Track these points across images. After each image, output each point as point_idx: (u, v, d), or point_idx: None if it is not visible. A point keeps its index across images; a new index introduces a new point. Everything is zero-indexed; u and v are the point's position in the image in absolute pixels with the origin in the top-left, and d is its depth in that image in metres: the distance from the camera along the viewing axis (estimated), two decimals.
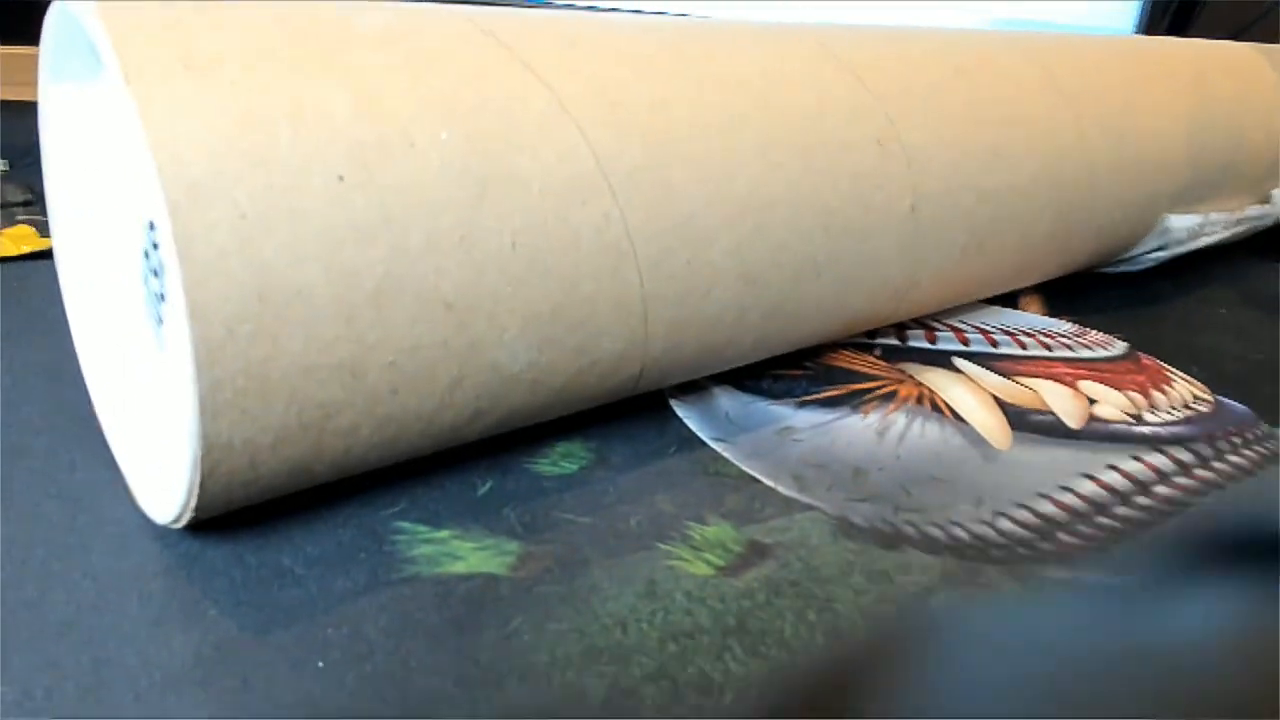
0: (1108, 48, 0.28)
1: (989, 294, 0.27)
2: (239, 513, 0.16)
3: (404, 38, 0.15)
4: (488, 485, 0.18)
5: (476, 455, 0.19)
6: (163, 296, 0.17)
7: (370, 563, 0.15)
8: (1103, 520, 0.18)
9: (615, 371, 0.18)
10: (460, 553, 0.16)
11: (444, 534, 0.16)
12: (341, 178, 0.13)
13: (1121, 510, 0.19)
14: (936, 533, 0.18)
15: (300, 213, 0.13)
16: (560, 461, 0.19)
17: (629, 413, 0.21)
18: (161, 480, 0.16)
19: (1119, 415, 0.22)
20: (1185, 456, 0.21)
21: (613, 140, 0.16)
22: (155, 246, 0.17)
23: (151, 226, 0.17)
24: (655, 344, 0.18)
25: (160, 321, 0.17)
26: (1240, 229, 0.33)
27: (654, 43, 0.19)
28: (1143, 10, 0.48)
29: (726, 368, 0.22)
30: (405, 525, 0.16)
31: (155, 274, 0.17)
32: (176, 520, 0.15)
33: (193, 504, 0.14)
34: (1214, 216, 0.31)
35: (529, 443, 0.19)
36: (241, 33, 0.14)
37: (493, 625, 0.14)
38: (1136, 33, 0.47)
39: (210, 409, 0.13)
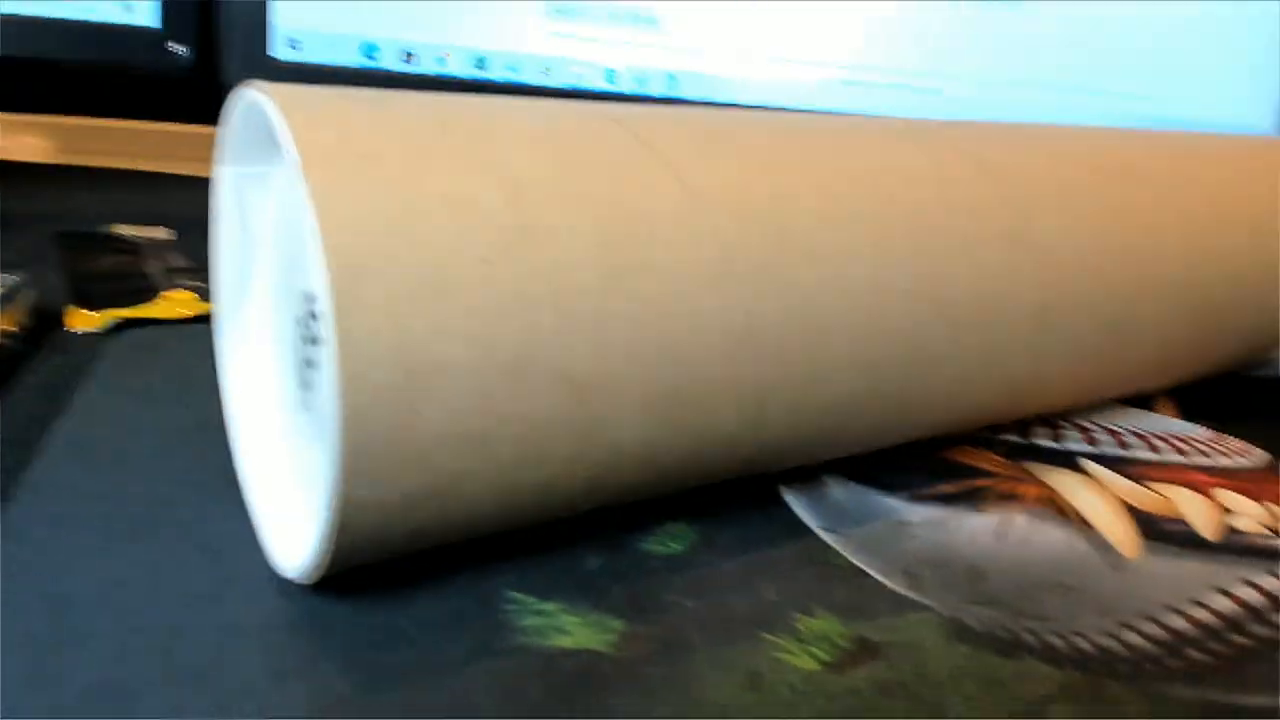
0: (1252, 149, 0.28)
1: (1120, 395, 0.26)
2: (361, 572, 0.17)
3: (549, 133, 0.16)
4: (595, 561, 0.18)
5: (586, 529, 0.19)
6: (310, 363, 0.18)
7: (480, 630, 0.16)
8: (1236, 638, 0.17)
9: (728, 453, 0.18)
10: (567, 627, 0.16)
11: (551, 606, 0.17)
12: (487, 261, 0.14)
13: (1257, 629, 0.17)
14: (1058, 642, 0.17)
15: (447, 292, 0.14)
16: (666, 541, 0.19)
17: (737, 497, 0.21)
18: (295, 536, 0.17)
19: (1257, 528, 0.21)
20: None
21: (738, 231, 0.17)
22: (314, 317, 0.18)
23: (312, 300, 0.18)
24: (769, 427, 0.18)
25: (307, 387, 0.18)
26: None
27: (782, 138, 0.19)
28: None
29: (841, 455, 0.22)
30: (516, 595, 0.17)
31: (309, 342, 0.18)
32: (306, 574, 0.16)
33: (325, 559, 0.15)
34: None
35: (637, 519, 0.20)
36: (405, 127, 0.15)
37: (593, 704, 0.14)
38: (1278, 130, 0.46)
39: (351, 471, 0.14)
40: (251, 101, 0.16)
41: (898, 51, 0.37)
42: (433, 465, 0.14)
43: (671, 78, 0.35)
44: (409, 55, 0.31)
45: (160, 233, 0.37)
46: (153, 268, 0.33)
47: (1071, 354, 0.22)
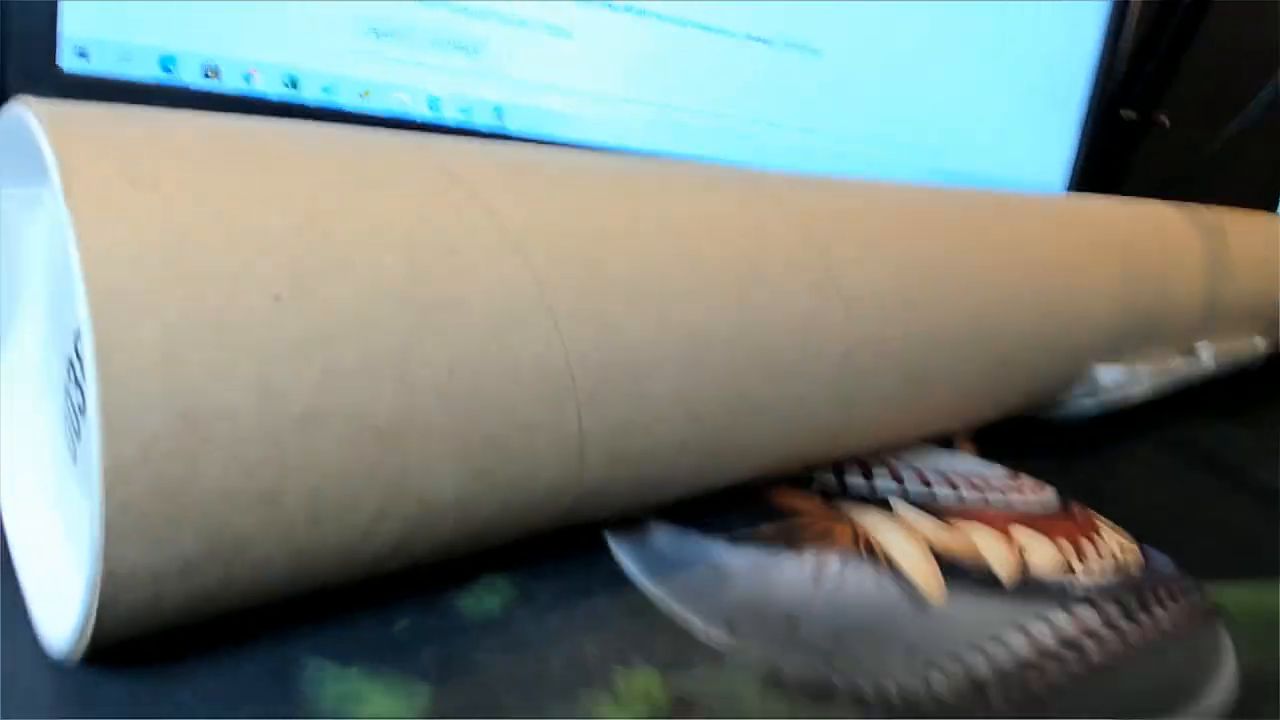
0: (1041, 206, 0.30)
1: (923, 436, 0.28)
2: (139, 641, 0.15)
3: (348, 160, 0.15)
4: (404, 622, 0.17)
5: (395, 587, 0.18)
6: (82, 409, 0.16)
7: (272, 702, 0.14)
8: (1033, 676, 0.18)
9: (547, 504, 0.18)
10: (368, 695, 0.15)
11: (353, 673, 0.15)
12: (278, 297, 0.13)
13: (1052, 666, 0.18)
14: (867, 686, 0.17)
15: (230, 329, 0.13)
16: (483, 597, 0.18)
17: (558, 545, 0.20)
18: (60, 608, 0.15)
19: (1049, 566, 0.22)
20: (1114, 611, 0.21)
21: (555, 269, 0.16)
22: (79, 357, 0.16)
23: (78, 336, 0.16)
24: (591, 476, 0.18)
25: (78, 435, 0.16)
26: (1168, 382, 0.34)
27: (601, 176, 0.19)
28: (1073, 166, 0.50)
29: (665, 502, 0.21)
30: (312, 661, 0.16)
31: (78, 385, 0.16)
32: (71, 652, 0.14)
33: (89, 634, 0.13)
34: (1140, 369, 0.32)
35: (451, 574, 0.19)
36: (186, 150, 0.14)
37: None
38: (1068, 187, 0.50)
39: (115, 533, 0.12)
40: (17, 117, 0.15)
41: (720, 95, 0.38)
42: (213, 525, 0.13)
43: (498, 109, 0.34)
44: (211, 70, 0.29)
45: None
46: None
47: (876, 400, 0.23)
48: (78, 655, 0.14)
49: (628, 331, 0.17)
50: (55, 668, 0.15)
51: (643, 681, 0.17)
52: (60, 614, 0.14)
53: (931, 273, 0.24)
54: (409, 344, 0.14)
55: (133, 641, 0.15)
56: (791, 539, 0.22)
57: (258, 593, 0.14)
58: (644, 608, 0.19)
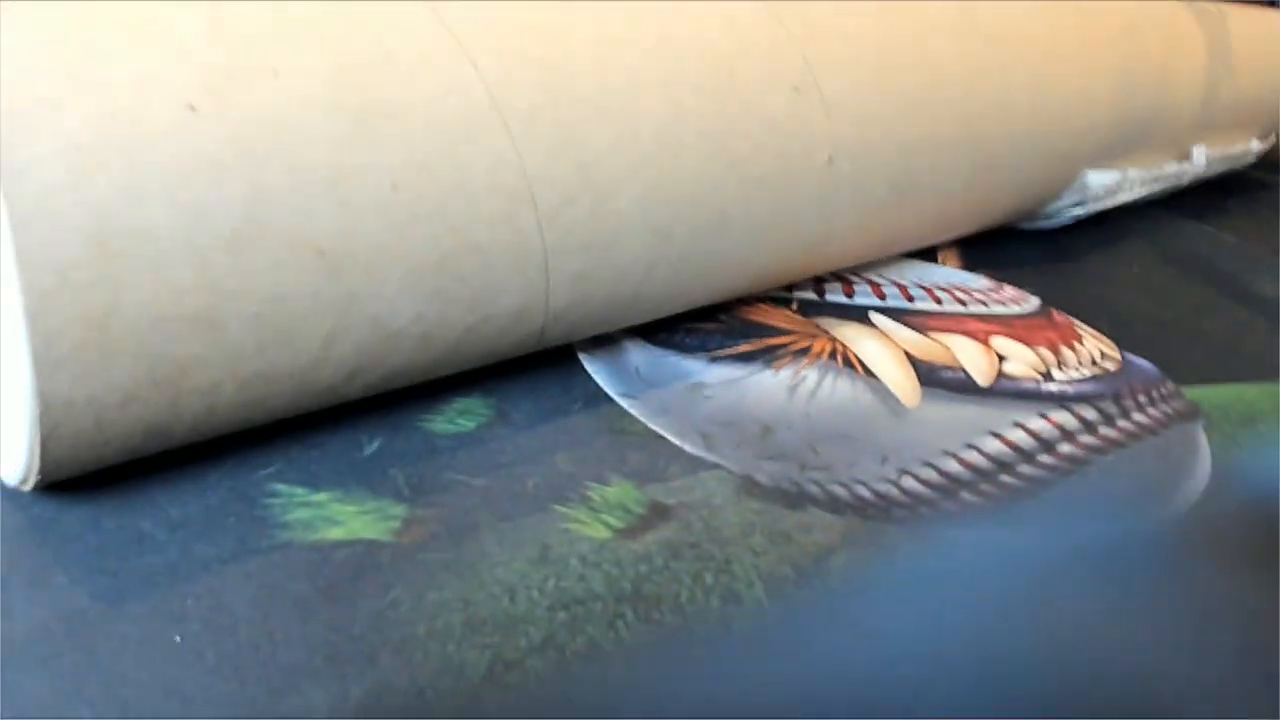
0: (1040, 5, 0.28)
1: (907, 248, 0.27)
2: (100, 474, 0.15)
3: None
4: (375, 444, 0.17)
5: (364, 412, 0.18)
6: None
7: (239, 528, 0.14)
8: (1006, 479, 0.18)
9: (514, 327, 0.17)
10: (339, 517, 0.15)
11: (323, 497, 0.15)
12: (193, 107, 0.12)
13: (1026, 469, 0.19)
14: (841, 491, 0.17)
15: (143, 144, 0.12)
16: (457, 419, 0.18)
17: (533, 367, 0.20)
18: (9, 440, 0.14)
19: (1028, 372, 0.22)
20: (1090, 414, 0.21)
21: (506, 71, 0.15)
22: None
23: None
24: (558, 298, 0.17)
25: None
26: (1158, 186, 0.33)
27: None
28: None
29: (636, 322, 0.21)
30: (281, 488, 0.15)
31: None
32: (23, 482, 0.14)
33: (36, 466, 0.13)
34: (1132, 174, 0.31)
35: (424, 399, 0.18)
36: None
37: (369, 595, 0.14)
38: None
39: (46, 364, 0.12)
40: None
41: None
42: (150, 353, 0.12)
43: None
44: None
45: None
46: None
47: (860, 209, 0.22)
48: (30, 484, 0.14)
49: (591, 142, 0.16)
50: (14, 498, 0.14)
51: (618, 493, 0.17)
52: (10, 446, 0.14)
53: (919, 69, 0.22)
54: (343, 156, 0.13)
55: (97, 474, 0.15)
56: (770, 355, 0.22)
57: (213, 422, 0.14)
58: (621, 425, 0.19)
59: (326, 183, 0.13)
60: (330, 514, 0.15)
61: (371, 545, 0.15)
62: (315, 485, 0.16)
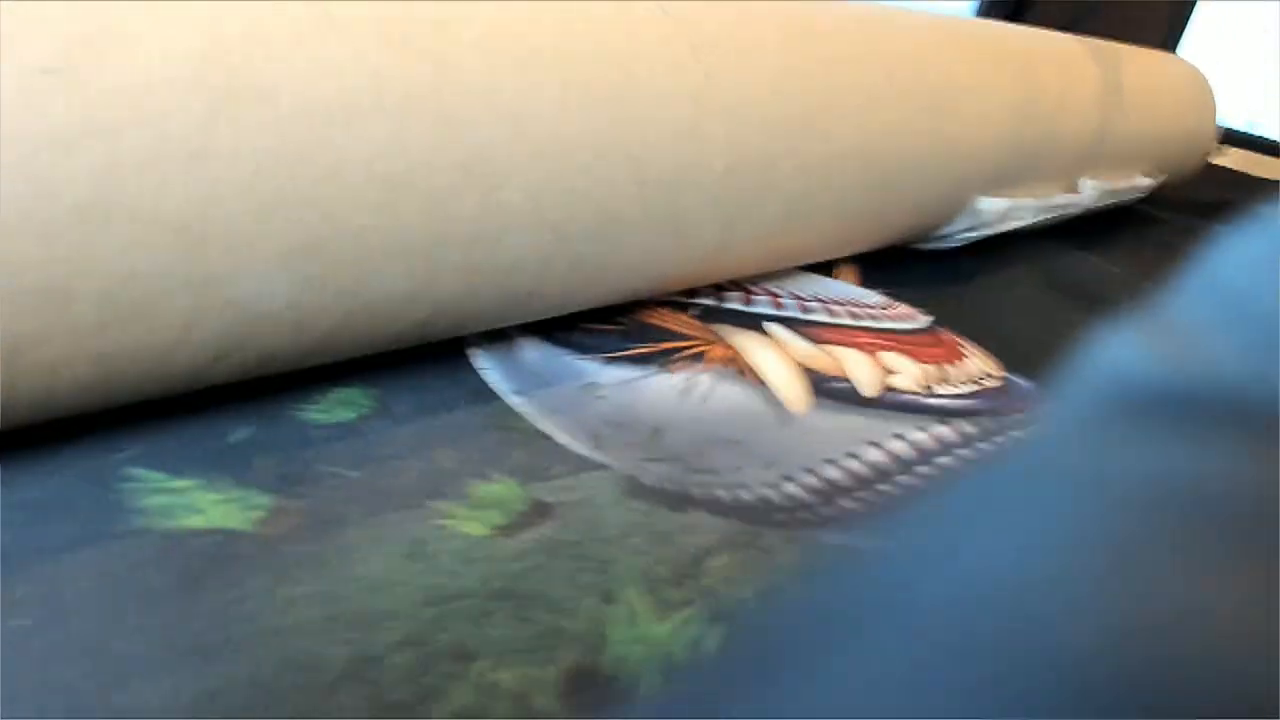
0: (939, 27, 0.29)
1: (804, 261, 0.27)
2: None
3: None
4: (243, 432, 0.16)
5: (235, 398, 0.17)
6: None
7: (87, 512, 0.14)
8: (883, 488, 0.19)
9: (396, 317, 0.17)
10: (199, 505, 0.14)
11: (183, 484, 0.15)
12: (45, 71, 0.11)
13: (903, 479, 0.19)
14: (723, 494, 0.17)
15: None
16: (334, 409, 0.18)
17: (419, 360, 0.20)
18: None
19: (912, 386, 0.23)
20: (969, 429, 0.21)
21: (389, 59, 0.15)
22: None
23: None
24: (443, 288, 0.17)
25: None
26: (1048, 216, 0.35)
27: None
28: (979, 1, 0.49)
29: (531, 319, 0.21)
30: (138, 472, 0.15)
31: None
32: None
33: None
34: (1023, 202, 0.32)
35: (301, 387, 0.18)
36: None
37: (222, 587, 0.13)
38: (975, 12, 0.49)
39: None
40: None
41: None
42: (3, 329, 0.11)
43: None
44: None
45: None
46: None
47: (757, 220, 0.22)
48: None
49: (474, 131, 0.16)
50: None
51: (499, 490, 0.16)
52: None
53: (819, 87, 0.23)
54: (206, 135, 0.13)
55: None
56: (665, 358, 0.22)
57: (58, 402, 0.13)
58: (507, 422, 0.18)
59: (183, 160, 0.12)
60: (191, 501, 0.14)
61: (231, 535, 0.14)
62: (177, 471, 0.15)
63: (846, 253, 0.29)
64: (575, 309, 0.21)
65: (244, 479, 0.15)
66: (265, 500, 0.15)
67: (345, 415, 0.17)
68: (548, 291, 0.19)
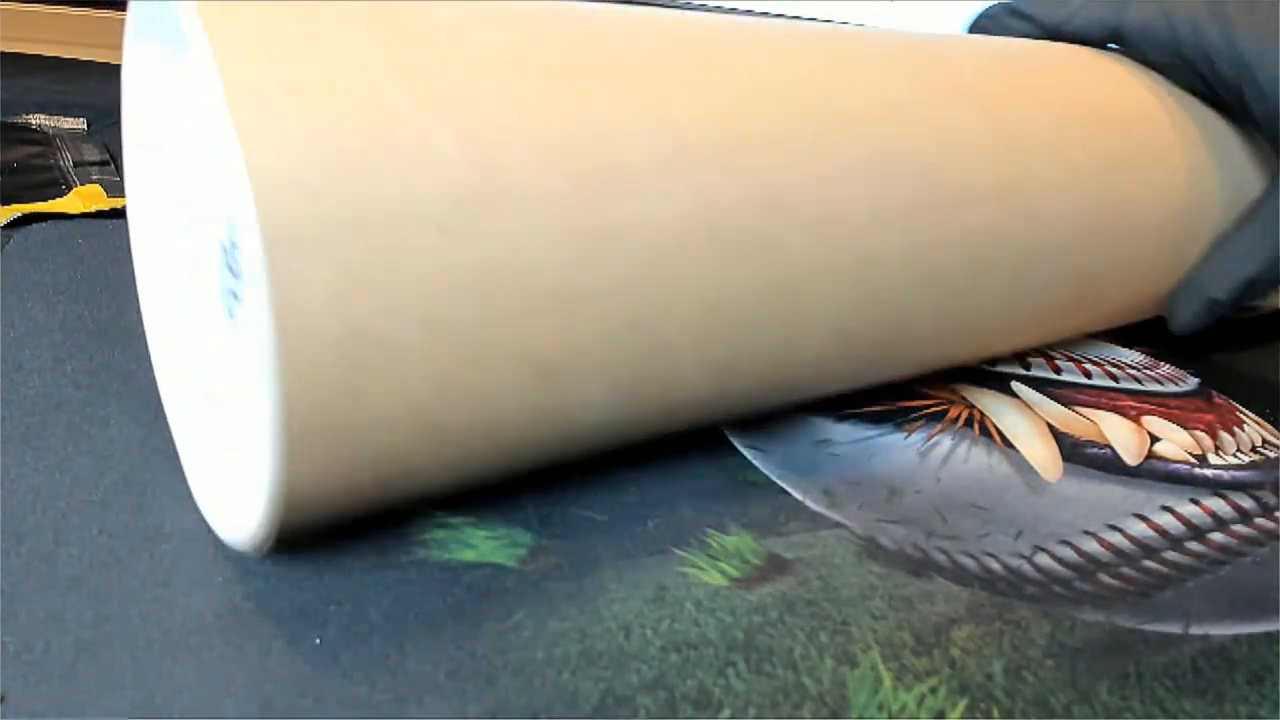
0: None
1: (1090, 330, 0.26)
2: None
3: (510, 51, 0.14)
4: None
5: None
6: (236, 294, 0.16)
7: (381, 541, 0.15)
8: (1149, 564, 0.17)
9: (688, 417, 0.17)
10: (472, 540, 0.16)
11: (459, 520, 0.16)
12: (443, 229, 0.13)
13: (1171, 555, 0.18)
14: (969, 562, 0.17)
15: (398, 265, 0.12)
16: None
17: None
18: (234, 515, 0.15)
19: (1181, 455, 0.21)
20: (1247, 503, 0.19)
21: (727, 186, 0.15)
22: (237, 247, 0.16)
23: (235, 229, 0.16)
24: (732, 392, 0.17)
25: (232, 312, 0.16)
26: None
27: (765, 58, 0.17)
28: None
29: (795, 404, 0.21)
30: (422, 506, 0.16)
31: (232, 270, 0.16)
32: (245, 546, 0.14)
33: (265, 545, 0.14)
34: None
35: None
36: (337, 34, 0.13)
37: (494, 618, 0.14)
38: None
39: (291, 460, 0.12)
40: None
41: None
42: (381, 456, 0.13)
43: None
44: None
45: (73, 123, 0.35)
46: (64, 160, 0.31)
47: (1042, 307, 0.21)
48: (251, 550, 0.14)
49: (789, 250, 0.16)
50: (176, 496, 0.16)
51: (737, 542, 0.17)
52: (236, 521, 0.14)
53: (1108, 170, 0.21)
54: (572, 279, 0.14)
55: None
56: (902, 416, 0.21)
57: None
58: (744, 475, 0.19)
59: (554, 303, 0.14)
60: (464, 537, 0.16)
61: (499, 570, 0.15)
62: (453, 508, 0.16)
63: (1124, 323, 0.26)
64: (841, 393, 0.21)
65: (510, 518, 0.16)
66: (527, 539, 0.16)
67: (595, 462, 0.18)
68: (822, 386, 0.19)
